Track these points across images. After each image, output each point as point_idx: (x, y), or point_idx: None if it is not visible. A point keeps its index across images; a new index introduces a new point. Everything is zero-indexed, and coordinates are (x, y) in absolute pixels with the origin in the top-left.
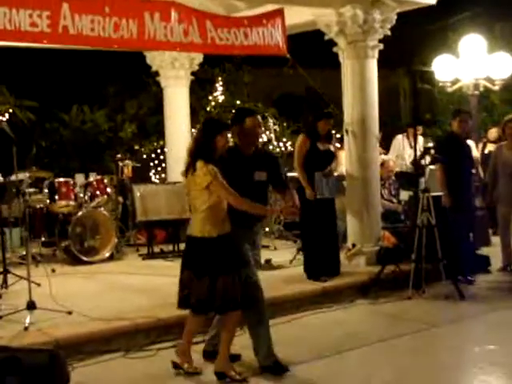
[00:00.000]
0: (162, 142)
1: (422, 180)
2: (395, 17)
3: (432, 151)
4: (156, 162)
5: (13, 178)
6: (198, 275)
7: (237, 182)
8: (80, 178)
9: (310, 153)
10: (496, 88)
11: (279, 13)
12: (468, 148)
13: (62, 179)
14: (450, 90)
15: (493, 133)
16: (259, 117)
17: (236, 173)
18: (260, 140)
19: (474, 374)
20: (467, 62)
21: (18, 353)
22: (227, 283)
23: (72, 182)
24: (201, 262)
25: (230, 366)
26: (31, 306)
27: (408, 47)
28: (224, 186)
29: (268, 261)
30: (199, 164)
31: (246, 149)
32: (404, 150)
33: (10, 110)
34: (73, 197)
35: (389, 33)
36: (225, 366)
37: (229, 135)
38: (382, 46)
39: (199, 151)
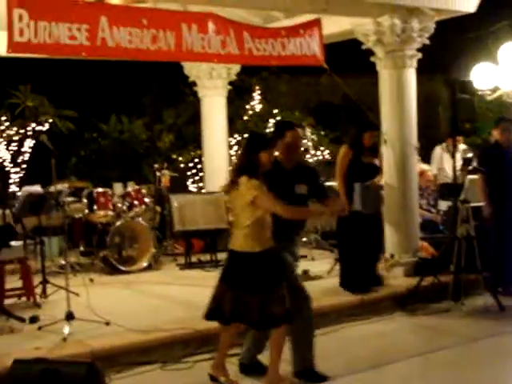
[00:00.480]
0: (199, 152)
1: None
2: (433, 26)
3: (472, 162)
4: (193, 171)
5: (52, 189)
6: (233, 288)
7: (278, 196)
8: (118, 187)
9: (352, 165)
10: None
11: (316, 23)
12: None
13: (100, 189)
14: (489, 98)
15: None
16: (300, 130)
17: (277, 186)
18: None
19: None
20: (507, 70)
21: (56, 364)
22: (265, 300)
23: (110, 193)
24: (239, 275)
25: (280, 379)
26: (70, 316)
27: (447, 56)
28: (269, 198)
29: (306, 272)
30: (243, 179)
31: (287, 162)
32: (445, 163)
33: (50, 120)
34: (111, 207)
35: (427, 42)
36: (275, 381)
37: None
38: (420, 56)
39: (243, 167)
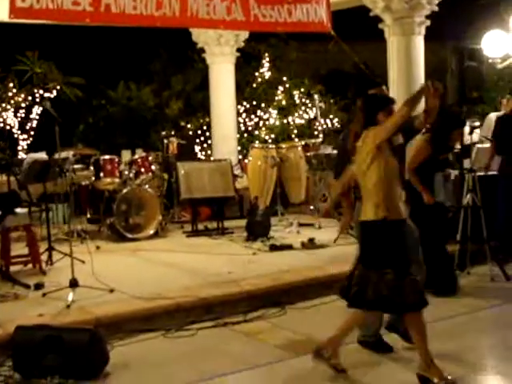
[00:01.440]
0: (207, 119)
1: (468, 160)
2: None
3: (478, 130)
4: (202, 138)
5: (56, 156)
6: (367, 266)
7: None
8: (127, 155)
9: (428, 161)
10: None
11: None
12: None
13: (107, 156)
14: (499, 66)
15: None
16: (384, 87)
17: None
18: (307, 117)
19: None
20: None
21: (59, 331)
22: (396, 279)
23: (117, 160)
24: (372, 249)
25: (435, 372)
26: (74, 283)
27: (458, 23)
28: (388, 120)
29: (311, 240)
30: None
31: None
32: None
33: (58, 87)
34: (117, 174)
35: (436, 9)
36: (427, 370)
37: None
38: (428, 23)
39: (363, 129)
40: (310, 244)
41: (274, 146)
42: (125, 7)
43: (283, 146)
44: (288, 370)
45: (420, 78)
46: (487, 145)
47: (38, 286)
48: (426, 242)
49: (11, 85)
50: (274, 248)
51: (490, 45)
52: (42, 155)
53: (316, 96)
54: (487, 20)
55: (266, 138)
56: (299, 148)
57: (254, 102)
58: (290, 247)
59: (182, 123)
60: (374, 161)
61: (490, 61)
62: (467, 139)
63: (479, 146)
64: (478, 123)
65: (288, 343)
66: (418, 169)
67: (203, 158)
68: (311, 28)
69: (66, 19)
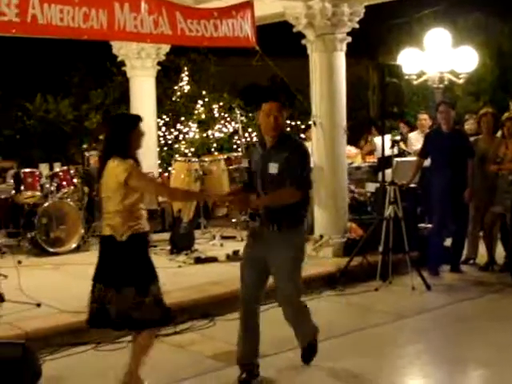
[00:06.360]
0: None
1: (389, 172)
2: (363, 10)
3: (401, 143)
4: None
5: None
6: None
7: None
8: (44, 168)
9: None
10: (461, 81)
11: (249, 5)
12: (447, 139)
13: (27, 170)
14: (415, 82)
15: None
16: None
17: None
18: (225, 131)
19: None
20: (432, 56)
21: None
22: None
23: (38, 173)
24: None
25: None
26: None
27: (375, 40)
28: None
29: (236, 252)
30: None
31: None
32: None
33: None
34: (39, 187)
35: (357, 26)
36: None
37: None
38: (350, 39)
39: None
40: (235, 256)
41: (196, 160)
42: (51, 19)
43: (206, 159)
44: (222, 380)
45: (342, 92)
46: (408, 158)
47: None
48: None
49: None
50: (199, 261)
51: (406, 62)
52: None
53: (237, 110)
54: (400, 38)
55: (186, 151)
56: (222, 161)
57: (174, 116)
58: (215, 260)
59: (101, 137)
60: None
61: (407, 77)
62: (389, 152)
63: (399, 159)
64: (399, 137)
65: (220, 353)
66: None
67: None
68: (237, 43)
69: None
